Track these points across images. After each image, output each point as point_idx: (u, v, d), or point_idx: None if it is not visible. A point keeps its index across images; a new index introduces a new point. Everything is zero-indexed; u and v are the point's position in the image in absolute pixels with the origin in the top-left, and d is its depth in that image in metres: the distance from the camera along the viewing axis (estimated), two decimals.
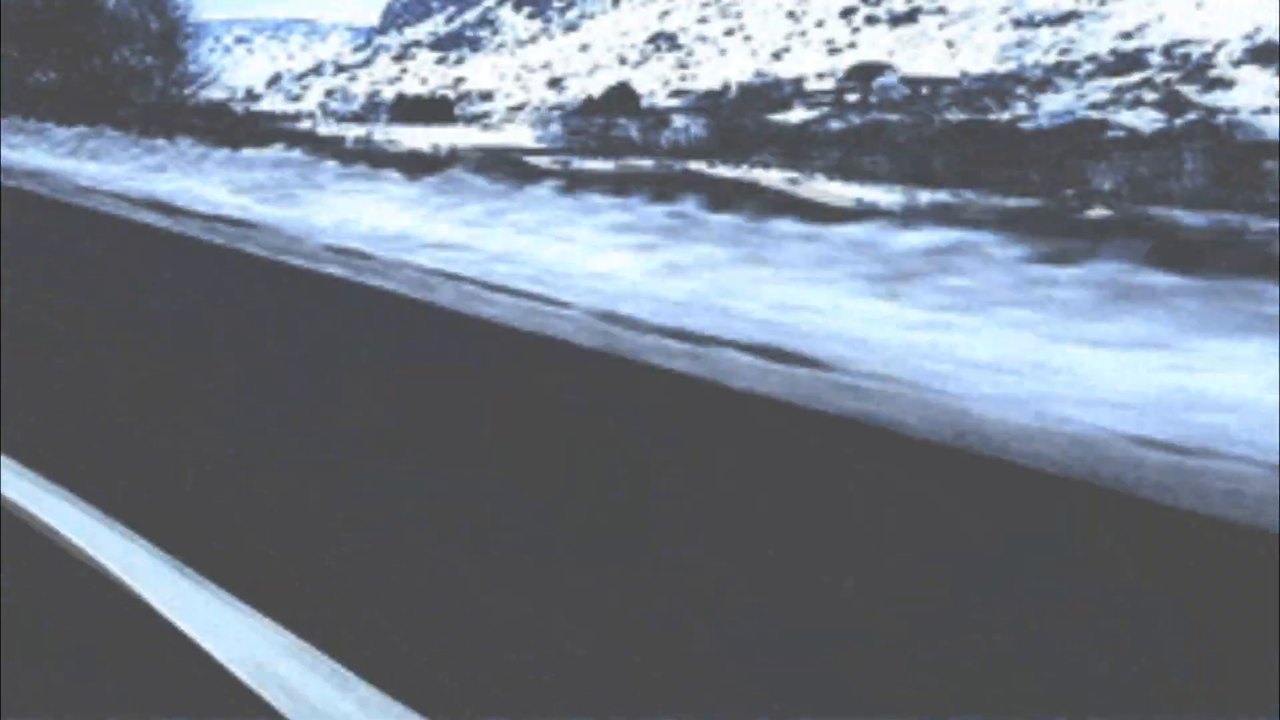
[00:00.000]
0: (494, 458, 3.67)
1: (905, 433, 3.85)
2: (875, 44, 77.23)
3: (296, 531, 3.09)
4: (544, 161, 11.88)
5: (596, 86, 56.60)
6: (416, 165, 10.42)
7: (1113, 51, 61.39)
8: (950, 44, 74.94)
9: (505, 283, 6.52)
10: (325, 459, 3.65)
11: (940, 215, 6.96)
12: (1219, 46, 58.04)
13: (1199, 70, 47.06)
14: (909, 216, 6.92)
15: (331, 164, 11.35)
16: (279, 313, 6.17)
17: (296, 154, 12.22)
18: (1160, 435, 3.76)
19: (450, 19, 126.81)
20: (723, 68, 75.72)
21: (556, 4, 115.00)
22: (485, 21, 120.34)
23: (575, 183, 8.93)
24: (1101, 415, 3.94)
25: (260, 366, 4.88)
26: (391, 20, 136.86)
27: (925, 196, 8.51)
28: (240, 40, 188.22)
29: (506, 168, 9.95)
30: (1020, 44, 70.63)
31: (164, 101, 23.37)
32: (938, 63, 68.81)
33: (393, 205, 9.55)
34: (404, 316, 5.91)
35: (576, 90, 66.22)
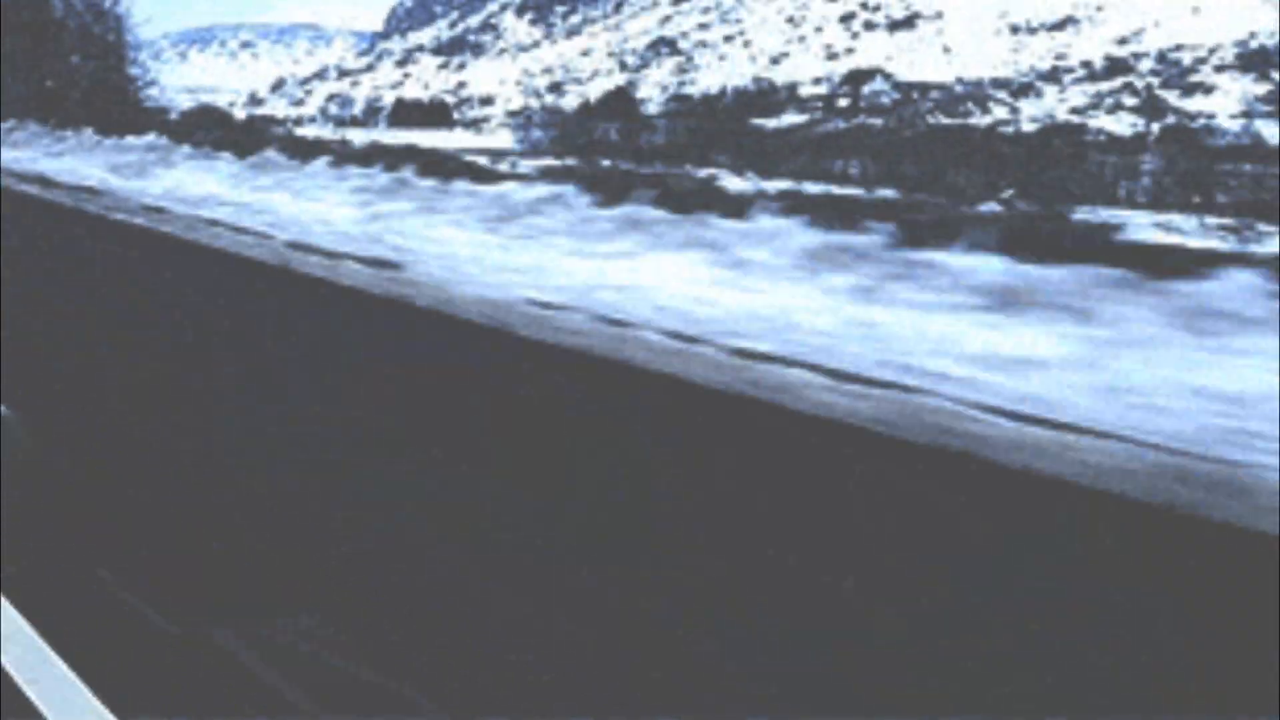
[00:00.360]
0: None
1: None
2: (873, 49, 77.57)
3: None
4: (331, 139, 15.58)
5: (596, 91, 56.87)
6: (301, 152, 12.61)
7: (1106, 57, 61.67)
8: (947, 49, 75.28)
9: (247, 225, 9.26)
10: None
11: (562, 175, 9.77)
12: (1212, 51, 58.31)
13: (1180, 76, 47.33)
14: (540, 178, 9.75)
15: (186, 148, 14.28)
16: (91, 252, 8.87)
17: (164, 140, 15.03)
18: (577, 303, 6.08)
19: (453, 24, 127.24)
20: (721, 73, 76.07)
21: (559, 9, 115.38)
22: (488, 27, 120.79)
23: (341, 159, 11.80)
24: (560, 293, 6.39)
25: (66, 286, 7.02)
26: (395, 26, 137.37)
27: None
28: (245, 45, 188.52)
29: (302, 148, 12.83)
30: (1015, 50, 70.94)
31: (126, 105, 24.15)
32: (935, 68, 69.09)
33: (213, 177, 12.47)
34: (169, 249, 8.68)
35: (576, 95, 66.50)
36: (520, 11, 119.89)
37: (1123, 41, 66.56)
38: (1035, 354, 4.83)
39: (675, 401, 4.40)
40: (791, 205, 7.72)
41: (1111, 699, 2.35)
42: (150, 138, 15.39)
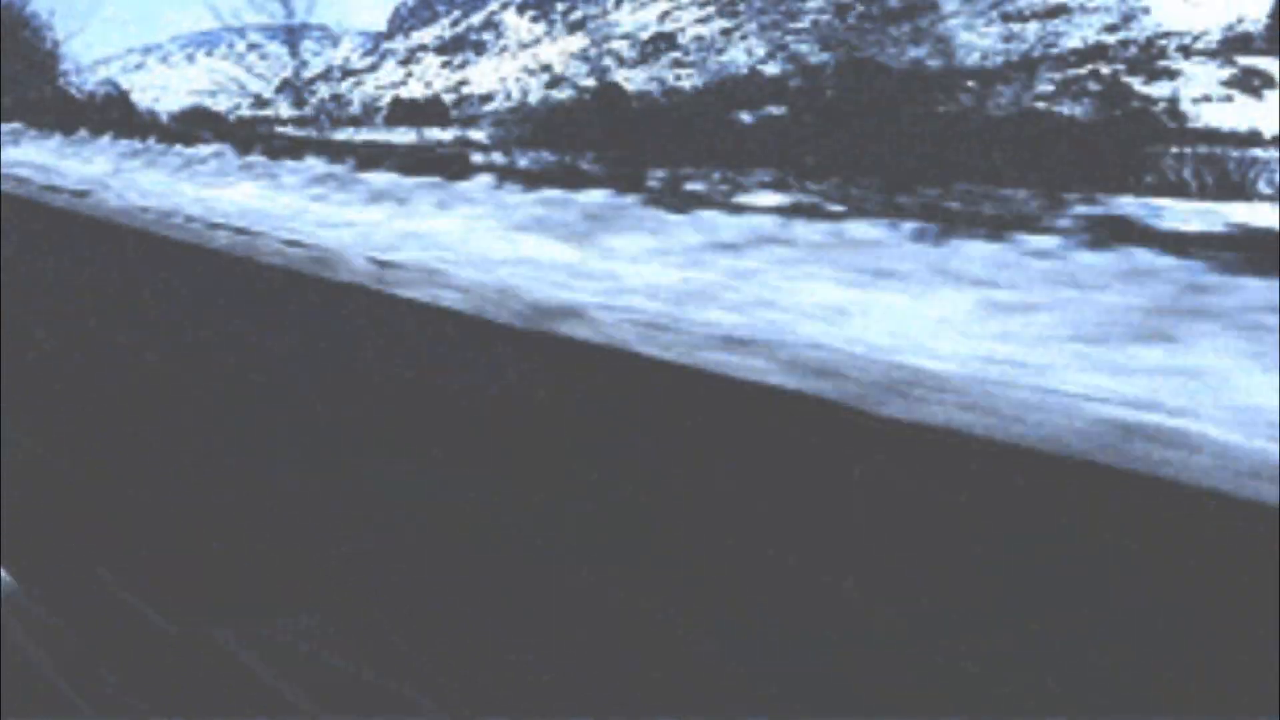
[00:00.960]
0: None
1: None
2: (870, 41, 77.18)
3: None
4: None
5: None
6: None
7: (1083, 42, 61.43)
8: (940, 39, 74.89)
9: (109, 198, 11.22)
10: None
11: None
12: (1198, 38, 58.14)
13: (1148, 62, 47.35)
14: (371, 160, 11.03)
15: (104, 140, 16.35)
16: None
17: (84, 133, 17.11)
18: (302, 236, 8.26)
19: (455, 22, 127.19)
20: (720, 66, 75.82)
21: (560, 6, 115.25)
22: (490, 24, 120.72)
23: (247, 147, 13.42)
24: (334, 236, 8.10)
25: None
26: (398, 25, 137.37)
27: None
28: (253, 47, 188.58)
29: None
30: (1008, 38, 70.63)
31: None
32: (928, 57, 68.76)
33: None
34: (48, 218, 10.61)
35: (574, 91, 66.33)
36: (521, 9, 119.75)
37: (1113, 29, 66.34)
38: None
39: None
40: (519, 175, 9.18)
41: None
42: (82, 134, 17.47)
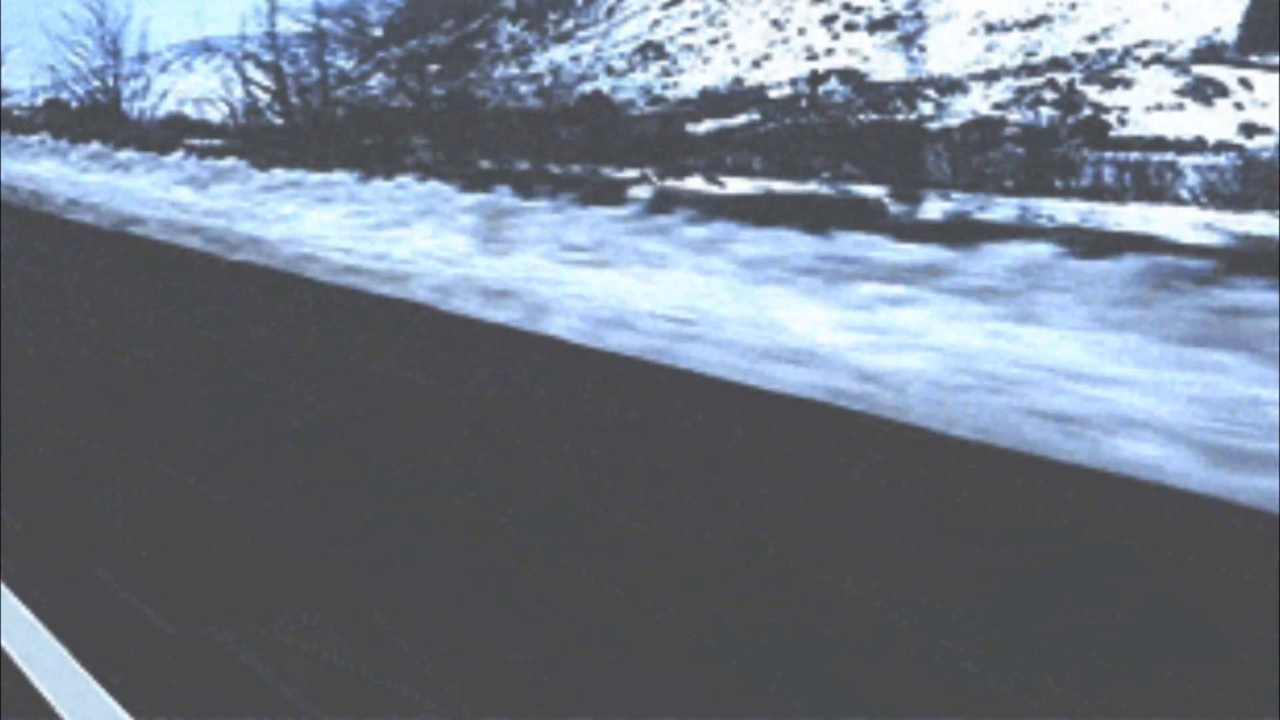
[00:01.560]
0: None
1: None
2: (854, 50, 77.63)
3: None
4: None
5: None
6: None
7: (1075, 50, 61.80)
8: (922, 49, 75.38)
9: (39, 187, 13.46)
10: None
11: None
12: (1173, 48, 58.48)
13: (1105, 71, 47.73)
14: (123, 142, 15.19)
15: (65, 143, 17.78)
16: None
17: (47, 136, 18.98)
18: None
19: (449, 31, 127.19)
20: (703, 75, 76.33)
21: (552, 16, 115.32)
22: (483, 33, 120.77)
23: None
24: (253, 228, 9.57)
25: None
26: (393, 34, 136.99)
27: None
28: (249, 56, 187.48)
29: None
30: (989, 49, 71.07)
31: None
32: (910, 67, 69.20)
33: (53, 161, 16.72)
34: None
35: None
36: (514, 18, 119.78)
37: (1093, 39, 66.74)
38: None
39: None
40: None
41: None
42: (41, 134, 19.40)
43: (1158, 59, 56.19)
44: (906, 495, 3.37)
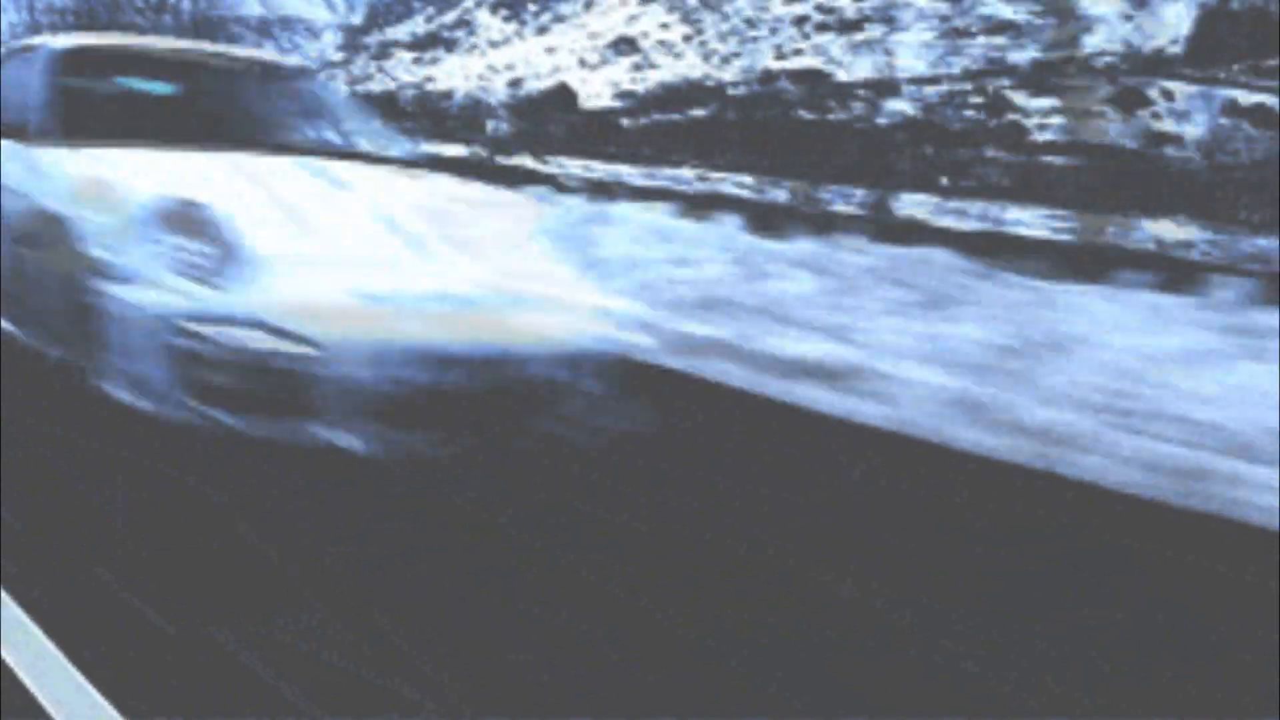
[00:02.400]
0: None
1: None
2: (821, 51, 77.61)
3: None
4: None
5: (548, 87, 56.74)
6: None
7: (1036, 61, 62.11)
8: (889, 51, 75.40)
9: None
10: None
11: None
12: (1126, 58, 58.78)
13: (1035, 77, 48.27)
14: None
15: None
16: None
17: None
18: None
19: (429, 19, 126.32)
20: (671, 72, 76.04)
21: (531, 8, 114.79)
22: (462, 23, 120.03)
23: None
24: None
25: None
26: (374, 20, 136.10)
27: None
28: (233, 40, 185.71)
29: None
30: (954, 52, 71.19)
31: None
32: (876, 68, 69.20)
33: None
34: None
35: (531, 90, 66.11)
36: (494, 9, 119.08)
37: (1054, 47, 67.01)
38: None
39: None
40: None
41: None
42: None
43: (1104, 69, 56.60)
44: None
